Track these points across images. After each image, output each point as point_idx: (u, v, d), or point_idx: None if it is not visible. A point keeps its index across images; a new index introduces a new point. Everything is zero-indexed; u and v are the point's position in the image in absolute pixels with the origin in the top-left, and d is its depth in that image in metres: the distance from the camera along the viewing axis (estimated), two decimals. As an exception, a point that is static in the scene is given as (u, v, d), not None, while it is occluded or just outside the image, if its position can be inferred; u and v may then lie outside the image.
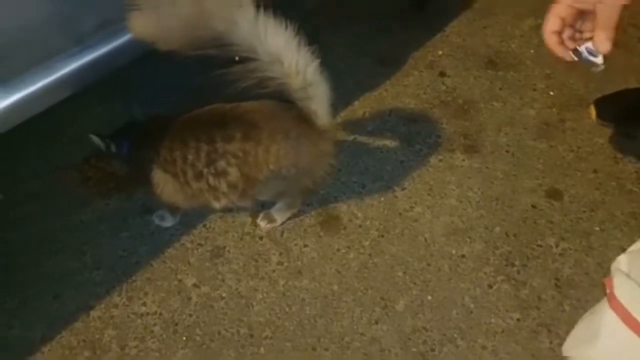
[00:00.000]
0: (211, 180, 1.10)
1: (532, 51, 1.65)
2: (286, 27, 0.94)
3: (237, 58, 0.95)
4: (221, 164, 1.08)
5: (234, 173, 1.08)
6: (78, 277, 1.24)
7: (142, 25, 0.90)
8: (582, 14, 0.76)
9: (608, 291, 0.94)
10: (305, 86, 1.01)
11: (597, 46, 0.75)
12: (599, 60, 0.77)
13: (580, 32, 0.78)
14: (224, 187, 1.11)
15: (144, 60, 1.11)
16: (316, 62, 0.99)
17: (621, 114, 1.43)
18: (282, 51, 0.96)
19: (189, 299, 1.20)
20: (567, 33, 0.77)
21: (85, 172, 1.44)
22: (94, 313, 1.18)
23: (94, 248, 1.29)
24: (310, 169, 1.14)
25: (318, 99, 1.04)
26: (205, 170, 1.09)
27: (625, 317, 0.85)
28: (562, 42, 0.78)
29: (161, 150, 1.11)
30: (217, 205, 1.16)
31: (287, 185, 1.16)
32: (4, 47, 0.95)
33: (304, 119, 1.07)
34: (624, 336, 0.85)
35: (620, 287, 0.89)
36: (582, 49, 0.78)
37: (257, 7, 0.91)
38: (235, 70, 0.94)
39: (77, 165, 1.43)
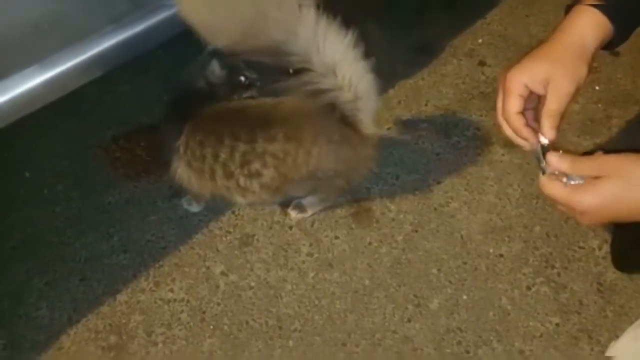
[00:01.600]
0: (242, 180, 1.05)
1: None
2: (345, 36, 0.89)
3: (291, 70, 0.91)
4: (256, 165, 1.02)
5: (268, 174, 1.03)
6: (105, 260, 1.22)
7: (194, 9, 0.85)
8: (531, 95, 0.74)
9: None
10: (356, 99, 0.97)
11: (541, 131, 0.72)
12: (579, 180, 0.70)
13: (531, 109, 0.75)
14: (255, 187, 1.06)
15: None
16: (369, 76, 0.95)
17: None
18: (338, 63, 0.91)
19: (217, 287, 1.17)
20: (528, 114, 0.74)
21: (113, 153, 1.42)
22: (120, 297, 1.16)
23: (121, 231, 1.27)
24: (348, 172, 1.10)
25: (366, 110, 1.00)
26: (237, 171, 1.04)
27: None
28: (527, 124, 0.73)
29: (190, 142, 1.06)
30: (242, 200, 1.11)
31: (321, 185, 1.12)
32: (38, 25, 0.92)
33: (347, 123, 1.02)
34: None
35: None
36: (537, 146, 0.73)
37: (317, 9, 0.86)
38: (289, 83, 0.91)
39: (105, 146, 1.42)
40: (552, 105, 0.72)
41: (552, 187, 0.70)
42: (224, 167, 1.04)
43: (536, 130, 0.73)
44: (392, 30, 1.64)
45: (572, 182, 0.70)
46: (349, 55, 0.91)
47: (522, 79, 0.73)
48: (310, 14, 0.86)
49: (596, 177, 0.68)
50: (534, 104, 0.75)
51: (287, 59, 0.89)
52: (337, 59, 0.91)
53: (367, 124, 1.02)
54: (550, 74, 0.72)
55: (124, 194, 1.33)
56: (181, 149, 1.06)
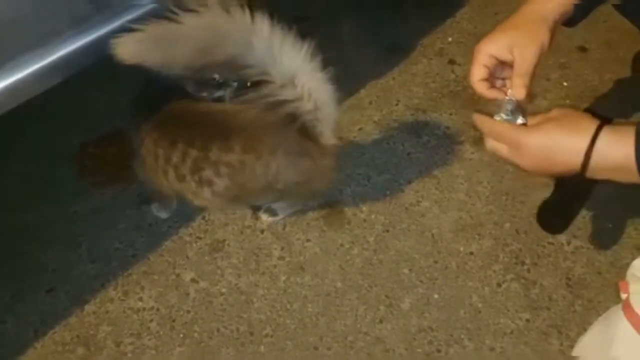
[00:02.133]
0: (194, 186, 1.03)
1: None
2: (301, 46, 0.88)
3: (249, 83, 0.90)
4: (207, 173, 1.00)
5: (222, 183, 1.01)
6: (73, 271, 1.20)
7: (130, 55, 0.82)
8: (503, 64, 0.82)
9: (623, 297, 0.90)
10: (316, 110, 0.96)
11: (513, 92, 0.80)
12: (520, 120, 0.80)
13: (503, 79, 0.85)
14: (207, 194, 1.03)
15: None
16: (329, 86, 0.94)
17: None
18: (297, 73, 0.90)
19: (187, 294, 1.16)
20: (497, 84, 0.84)
21: (80, 160, 1.40)
22: (88, 308, 1.14)
23: (89, 240, 1.25)
24: (309, 183, 1.09)
25: (326, 121, 0.99)
26: (188, 177, 1.02)
27: (643, 329, 0.80)
28: (492, 85, 0.83)
29: (146, 138, 1.04)
30: (199, 204, 1.09)
31: (284, 195, 1.11)
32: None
33: (307, 134, 1.01)
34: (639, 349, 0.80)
35: (637, 296, 0.84)
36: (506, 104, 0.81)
37: (270, 20, 0.86)
38: (248, 96, 0.91)
39: (73, 153, 1.39)
40: (520, 67, 0.79)
41: (502, 127, 0.79)
42: (175, 169, 1.02)
43: (504, 90, 0.82)
44: (364, 29, 1.64)
45: (519, 122, 0.80)
46: (307, 65, 0.90)
47: (487, 50, 0.81)
48: (264, 25, 0.85)
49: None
50: (507, 73, 0.83)
51: (244, 72, 0.88)
52: (295, 69, 0.90)
53: (327, 134, 1.01)
54: (514, 40, 0.79)
55: (92, 203, 1.31)
56: (140, 143, 1.05)
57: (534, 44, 0.79)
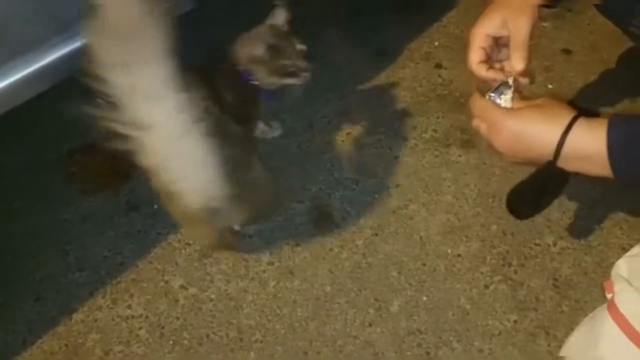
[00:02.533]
0: None
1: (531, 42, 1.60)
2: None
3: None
4: None
5: None
6: (61, 279, 1.19)
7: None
8: (499, 45, 0.85)
9: (609, 297, 0.91)
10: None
11: (512, 65, 0.82)
12: (504, 101, 0.82)
13: (500, 61, 0.87)
14: None
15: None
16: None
17: None
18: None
19: (176, 301, 1.16)
20: (495, 67, 0.86)
21: (68, 167, 1.40)
22: (76, 316, 1.14)
23: (77, 248, 1.24)
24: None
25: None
26: None
27: (627, 329, 0.81)
28: (491, 67, 0.85)
29: None
30: None
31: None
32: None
33: None
34: (625, 349, 0.81)
35: (622, 295, 0.85)
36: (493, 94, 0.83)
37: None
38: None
39: (62, 160, 1.39)
40: (516, 38, 0.82)
41: (485, 105, 0.81)
42: None
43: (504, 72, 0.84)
44: (351, 34, 1.65)
45: (502, 104, 0.81)
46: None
47: (482, 31, 0.84)
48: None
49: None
50: (503, 55, 0.86)
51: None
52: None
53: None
54: (505, 15, 0.82)
55: (80, 210, 1.30)
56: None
57: (526, 14, 0.82)
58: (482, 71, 0.84)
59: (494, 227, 1.25)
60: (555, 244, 1.21)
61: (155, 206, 1.30)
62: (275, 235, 1.25)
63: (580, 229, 1.24)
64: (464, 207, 1.28)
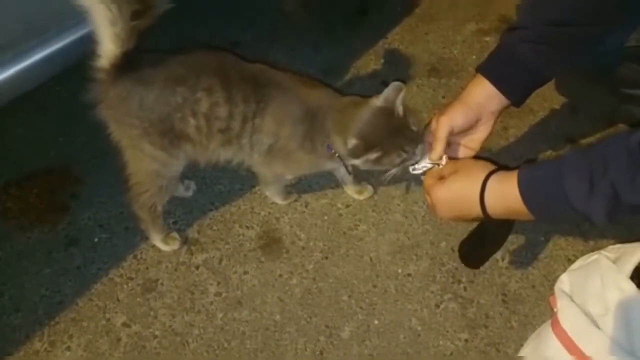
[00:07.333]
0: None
1: (474, 57, 1.62)
2: None
3: None
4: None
5: None
6: (-6, 322, 1.13)
7: None
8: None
9: (554, 311, 0.92)
10: None
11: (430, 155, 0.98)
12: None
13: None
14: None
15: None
16: None
17: None
18: None
19: (119, 339, 1.11)
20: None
21: (4, 202, 1.33)
22: (11, 362, 1.07)
23: (13, 288, 1.18)
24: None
25: None
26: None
27: (569, 345, 0.82)
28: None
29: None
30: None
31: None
32: None
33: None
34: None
35: (564, 311, 0.86)
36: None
37: None
38: None
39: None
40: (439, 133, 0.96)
41: (425, 183, 0.96)
42: None
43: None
44: (298, 52, 1.64)
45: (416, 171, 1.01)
46: None
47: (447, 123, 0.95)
48: None
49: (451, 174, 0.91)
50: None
51: None
52: None
53: None
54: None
55: (16, 247, 1.24)
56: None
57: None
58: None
59: (443, 243, 1.25)
60: (503, 259, 1.22)
61: (96, 239, 1.25)
62: (223, 264, 1.22)
63: (526, 242, 1.25)
64: (413, 225, 1.28)
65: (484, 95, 0.94)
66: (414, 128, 1.02)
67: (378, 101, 1.02)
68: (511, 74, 0.93)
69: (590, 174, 0.73)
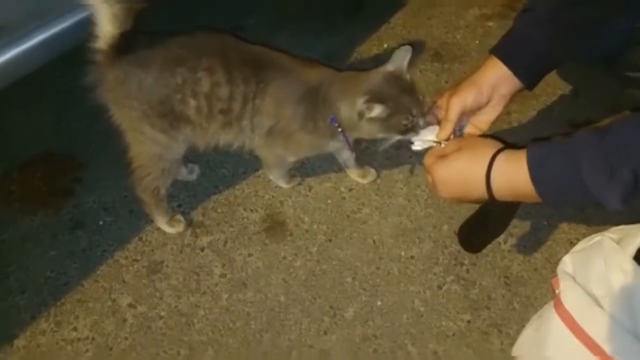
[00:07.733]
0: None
1: (477, 42, 1.62)
2: None
3: None
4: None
5: None
6: (1, 303, 1.13)
7: None
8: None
9: (556, 292, 0.93)
10: None
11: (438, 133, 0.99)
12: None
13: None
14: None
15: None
16: None
17: None
18: None
19: (124, 320, 1.12)
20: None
21: (6, 187, 1.33)
22: (18, 342, 1.08)
23: (18, 270, 1.19)
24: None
25: None
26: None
27: (572, 325, 0.83)
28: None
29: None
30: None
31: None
32: None
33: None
34: (571, 346, 0.82)
35: (567, 292, 0.86)
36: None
37: None
38: None
39: (-2, 179, 1.32)
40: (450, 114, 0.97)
41: (427, 160, 0.93)
42: None
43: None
44: (300, 39, 1.63)
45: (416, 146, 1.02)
46: None
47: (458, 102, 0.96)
48: None
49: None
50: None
51: None
52: None
53: None
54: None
55: (20, 230, 1.25)
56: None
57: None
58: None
59: (445, 227, 1.25)
60: (505, 242, 1.23)
61: (101, 222, 1.25)
62: (228, 247, 1.22)
63: (529, 225, 1.25)
64: (415, 209, 1.29)
65: (496, 77, 0.94)
66: (420, 96, 1.04)
67: (389, 66, 1.05)
68: (525, 56, 0.93)
69: (609, 159, 0.70)
